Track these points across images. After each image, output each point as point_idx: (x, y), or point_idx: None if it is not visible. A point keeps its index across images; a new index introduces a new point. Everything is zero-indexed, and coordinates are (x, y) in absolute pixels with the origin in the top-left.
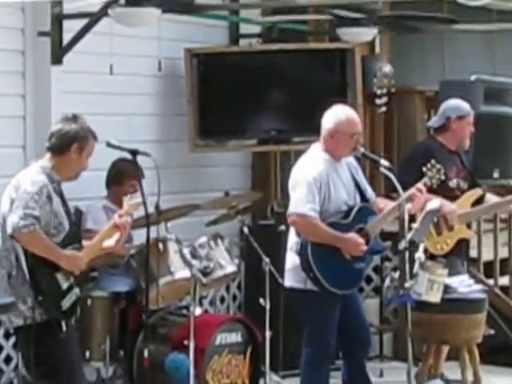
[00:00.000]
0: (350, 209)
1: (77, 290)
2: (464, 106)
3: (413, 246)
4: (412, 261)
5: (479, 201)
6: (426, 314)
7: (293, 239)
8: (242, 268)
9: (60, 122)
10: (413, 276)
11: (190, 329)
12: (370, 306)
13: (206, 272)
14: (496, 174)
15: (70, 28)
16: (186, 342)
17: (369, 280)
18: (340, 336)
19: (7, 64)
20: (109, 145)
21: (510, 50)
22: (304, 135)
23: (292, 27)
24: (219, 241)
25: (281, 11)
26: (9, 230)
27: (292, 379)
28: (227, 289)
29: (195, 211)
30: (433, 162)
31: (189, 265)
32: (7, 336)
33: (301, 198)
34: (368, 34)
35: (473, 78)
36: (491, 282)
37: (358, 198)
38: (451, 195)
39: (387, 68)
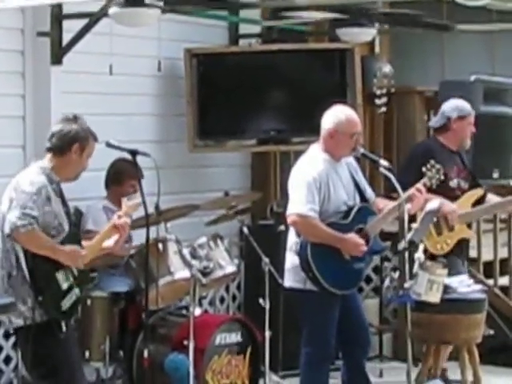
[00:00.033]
0: (350, 209)
1: (77, 291)
2: (465, 106)
3: (412, 246)
4: (412, 261)
5: (480, 201)
6: (426, 314)
7: (292, 239)
8: (242, 268)
9: (60, 122)
10: (412, 276)
11: (190, 329)
12: (370, 306)
13: (205, 272)
14: (495, 174)
15: (70, 28)
16: (185, 343)
17: (368, 280)
18: (339, 336)
19: (7, 64)
20: (108, 145)
21: (510, 50)
22: (304, 135)
23: (292, 27)
24: (219, 241)
25: (280, 16)
26: (6, 230)
27: (292, 379)
28: (227, 289)
29: (195, 211)
30: (432, 162)
31: (188, 265)
32: (7, 336)
33: (300, 198)
34: (368, 34)
35: (472, 78)
36: (491, 282)
37: (358, 199)
38: (452, 195)
39: (387, 68)
